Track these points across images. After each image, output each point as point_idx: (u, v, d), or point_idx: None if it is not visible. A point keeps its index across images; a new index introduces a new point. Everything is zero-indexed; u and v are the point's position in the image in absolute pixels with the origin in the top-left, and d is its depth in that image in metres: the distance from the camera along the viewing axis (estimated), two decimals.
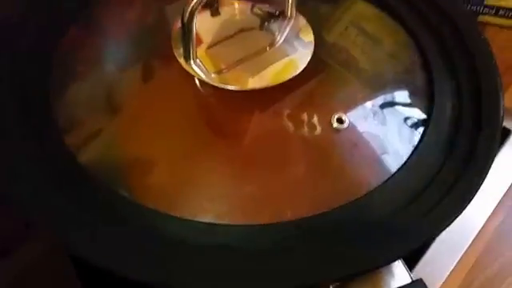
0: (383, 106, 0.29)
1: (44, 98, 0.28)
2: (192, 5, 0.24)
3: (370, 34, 0.32)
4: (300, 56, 0.29)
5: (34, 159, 0.25)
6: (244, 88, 0.28)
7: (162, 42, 0.30)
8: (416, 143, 0.27)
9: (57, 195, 0.24)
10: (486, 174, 0.26)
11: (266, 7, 0.32)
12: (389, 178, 0.26)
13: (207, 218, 0.24)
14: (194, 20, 0.25)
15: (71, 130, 0.27)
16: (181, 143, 0.27)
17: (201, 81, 0.28)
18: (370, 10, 0.33)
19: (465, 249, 0.33)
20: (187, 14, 0.25)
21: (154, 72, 0.30)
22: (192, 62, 0.28)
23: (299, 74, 0.28)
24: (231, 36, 0.30)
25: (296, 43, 0.30)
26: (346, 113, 0.28)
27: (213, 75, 0.28)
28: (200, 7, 0.25)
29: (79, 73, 0.30)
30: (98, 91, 0.29)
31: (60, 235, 0.23)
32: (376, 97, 0.29)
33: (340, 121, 0.27)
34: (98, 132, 0.27)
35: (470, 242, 0.34)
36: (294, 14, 0.31)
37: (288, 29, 0.31)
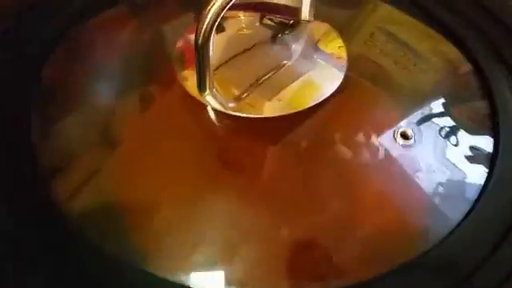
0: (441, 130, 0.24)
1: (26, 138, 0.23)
2: (207, 22, 0.19)
3: (402, 41, 0.28)
4: (323, 73, 0.25)
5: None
6: (261, 115, 0.24)
7: (159, 66, 0.26)
8: (483, 179, 0.23)
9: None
10: None
11: (277, 17, 0.27)
12: (455, 228, 0.21)
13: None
14: (211, 42, 0.20)
15: (59, 176, 0.22)
16: (191, 188, 0.22)
17: (212, 109, 0.24)
18: (398, 13, 0.29)
19: None
20: (202, 35, 0.20)
21: (154, 101, 0.25)
22: (207, 92, 0.23)
23: None
24: (240, 54, 0.26)
25: (316, 56, 0.26)
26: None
27: (228, 103, 0.24)
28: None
29: (66, 108, 0.25)
30: (89, 129, 0.24)
31: None
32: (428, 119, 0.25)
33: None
34: (91, 178, 0.23)
35: None
36: (312, 17, 0.26)
37: (306, 38, 0.26)
